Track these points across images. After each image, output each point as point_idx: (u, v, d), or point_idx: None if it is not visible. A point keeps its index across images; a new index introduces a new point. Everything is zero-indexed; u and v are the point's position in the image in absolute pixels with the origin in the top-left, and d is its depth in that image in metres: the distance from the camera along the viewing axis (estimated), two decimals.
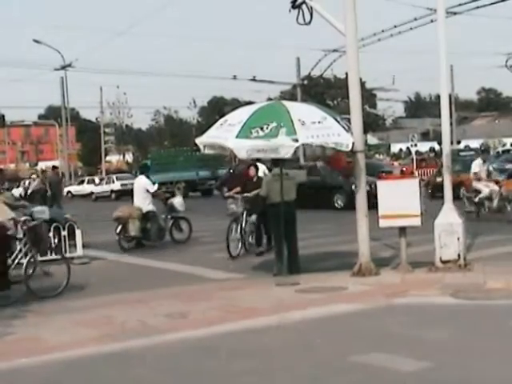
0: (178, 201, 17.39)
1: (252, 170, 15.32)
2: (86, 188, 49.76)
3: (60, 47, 51.32)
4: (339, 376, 6.29)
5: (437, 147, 55.80)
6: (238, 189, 15.41)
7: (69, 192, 49.06)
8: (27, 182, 40.26)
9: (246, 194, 14.81)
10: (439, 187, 14.28)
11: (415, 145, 46.12)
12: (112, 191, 44.93)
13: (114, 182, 46.04)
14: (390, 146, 79.79)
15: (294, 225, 11.96)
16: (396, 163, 51.98)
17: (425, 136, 71.45)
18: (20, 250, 10.70)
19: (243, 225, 14.69)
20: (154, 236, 16.41)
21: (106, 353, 7.38)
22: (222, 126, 11.12)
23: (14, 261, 10.57)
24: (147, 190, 16.36)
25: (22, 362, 7.13)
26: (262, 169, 15.83)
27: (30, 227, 10.88)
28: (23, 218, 11.14)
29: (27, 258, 10.63)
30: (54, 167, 32.69)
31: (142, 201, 16.29)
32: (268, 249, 14.48)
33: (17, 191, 39.09)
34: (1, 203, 11.46)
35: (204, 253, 15.12)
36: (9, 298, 10.35)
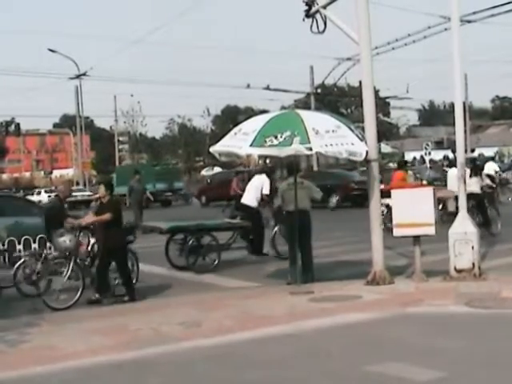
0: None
1: (102, 189, 11.23)
2: (43, 198, 52.58)
3: (75, 56, 51.84)
4: None
5: (451, 155, 55.51)
6: (90, 216, 11.58)
7: None
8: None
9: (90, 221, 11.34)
10: None
11: (429, 153, 45.87)
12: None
13: None
14: (403, 154, 79.46)
15: (309, 233, 11.94)
16: (410, 172, 51.71)
17: (439, 144, 71.08)
18: None
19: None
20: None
21: (120, 361, 7.39)
22: (237, 134, 11.14)
23: None
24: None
25: (36, 370, 7.14)
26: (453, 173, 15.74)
27: None
28: None
29: None
30: (137, 172, 26.67)
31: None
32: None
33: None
34: None
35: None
36: None
